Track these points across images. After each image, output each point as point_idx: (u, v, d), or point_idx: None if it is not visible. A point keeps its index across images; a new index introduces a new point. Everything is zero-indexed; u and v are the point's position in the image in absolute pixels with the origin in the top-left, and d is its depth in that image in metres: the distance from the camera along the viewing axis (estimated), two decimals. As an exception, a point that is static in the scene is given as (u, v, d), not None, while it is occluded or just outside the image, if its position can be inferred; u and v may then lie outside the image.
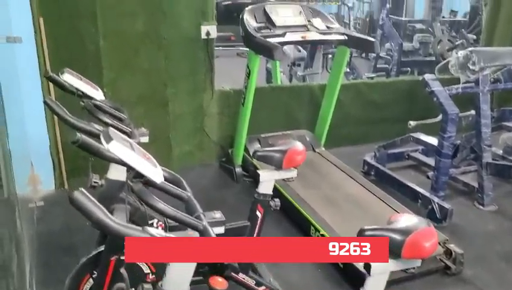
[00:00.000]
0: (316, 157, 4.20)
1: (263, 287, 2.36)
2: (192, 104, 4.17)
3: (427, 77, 3.65)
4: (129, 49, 3.74)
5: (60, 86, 2.14)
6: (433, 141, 3.88)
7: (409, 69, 7.69)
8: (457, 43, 6.97)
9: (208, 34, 3.95)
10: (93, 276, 1.69)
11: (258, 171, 2.38)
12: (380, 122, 5.00)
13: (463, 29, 7.95)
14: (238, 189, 3.97)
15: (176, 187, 1.46)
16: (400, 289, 2.68)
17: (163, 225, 2.03)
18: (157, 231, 1.17)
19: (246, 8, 3.78)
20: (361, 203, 3.40)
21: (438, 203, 3.41)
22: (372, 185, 3.68)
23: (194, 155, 4.34)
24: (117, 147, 1.28)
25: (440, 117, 3.55)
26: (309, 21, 3.84)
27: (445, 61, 3.78)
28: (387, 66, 7.74)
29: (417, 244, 1.37)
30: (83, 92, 2.12)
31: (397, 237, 1.38)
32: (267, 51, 3.43)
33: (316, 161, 4.12)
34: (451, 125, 3.49)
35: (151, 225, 2.02)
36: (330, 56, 6.74)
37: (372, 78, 7.04)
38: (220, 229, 1.57)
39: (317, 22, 3.87)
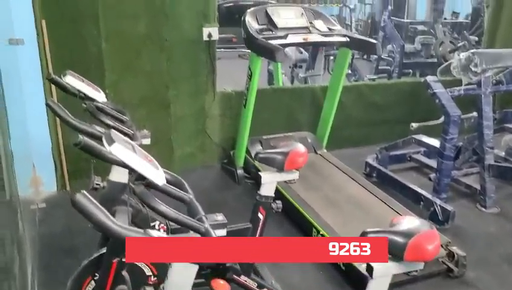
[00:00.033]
0: (317, 159, 4.20)
1: (265, 290, 2.35)
2: (194, 106, 4.18)
3: (429, 78, 3.65)
4: (131, 51, 3.75)
5: (62, 88, 2.15)
6: (435, 142, 3.88)
7: (410, 70, 7.70)
8: (459, 44, 6.98)
9: (209, 36, 3.96)
10: (95, 278, 1.69)
11: (259, 173, 2.38)
12: (382, 124, 4.99)
13: (465, 31, 7.95)
14: (239, 191, 3.97)
15: (178, 189, 1.45)
16: (402, 291, 2.68)
17: (165, 227, 2.02)
18: (158, 233, 1.17)
19: (248, 10, 3.78)
20: (363, 205, 3.40)
21: (440, 205, 3.40)
22: (374, 187, 3.67)
23: (196, 157, 4.35)
24: (119, 149, 1.28)
25: (442, 119, 3.54)
26: (311, 23, 3.84)
27: (447, 63, 3.78)
28: (389, 67, 7.74)
29: (420, 247, 1.36)
30: (85, 94, 2.13)
31: (399, 239, 1.37)
32: (268, 52, 3.43)
33: (317, 162, 4.12)
34: (453, 127, 3.49)
35: (153, 227, 2.02)
36: (332, 58, 6.74)
37: (373, 79, 7.04)
38: (222, 232, 1.57)
39: (319, 23, 3.87)
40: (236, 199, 3.80)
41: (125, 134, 1.88)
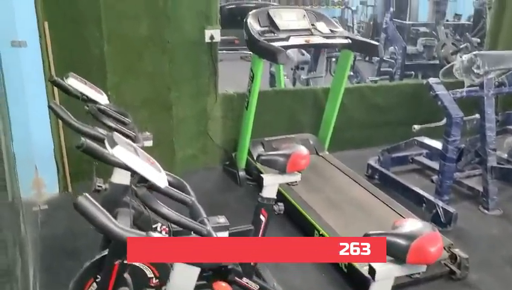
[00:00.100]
0: (319, 161, 4.20)
1: (267, 292, 2.35)
2: (196, 108, 4.18)
3: (431, 80, 3.64)
4: (133, 53, 3.75)
5: (65, 90, 2.15)
6: (437, 144, 3.87)
7: (412, 72, 7.70)
8: (461, 46, 6.96)
9: (211, 37, 3.96)
10: (97, 280, 1.69)
11: (261, 175, 2.38)
12: (384, 126, 4.99)
13: (467, 33, 7.95)
14: (241, 193, 3.97)
15: (180, 192, 1.45)
16: (404, 294, 2.67)
17: (167, 229, 2.03)
18: (160, 236, 1.17)
19: (250, 12, 3.79)
20: (365, 207, 3.39)
21: (442, 208, 3.39)
22: (376, 189, 3.66)
23: (198, 159, 4.35)
24: (121, 152, 1.28)
25: (444, 121, 3.54)
26: (313, 25, 3.85)
27: (449, 64, 3.77)
28: (391, 69, 7.74)
29: (422, 249, 1.36)
30: (87, 96, 2.13)
31: (402, 242, 1.37)
32: (270, 54, 3.43)
33: (319, 164, 4.12)
34: (455, 129, 3.48)
35: (155, 229, 2.02)
36: (334, 59, 6.75)
37: (375, 81, 7.04)
38: (224, 234, 1.57)
39: (321, 25, 3.88)
40: (238, 200, 3.80)
41: (127, 136, 1.88)
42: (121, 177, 1.77)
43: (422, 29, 8.20)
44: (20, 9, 3.22)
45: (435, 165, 3.98)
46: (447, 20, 8.90)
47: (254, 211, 2.42)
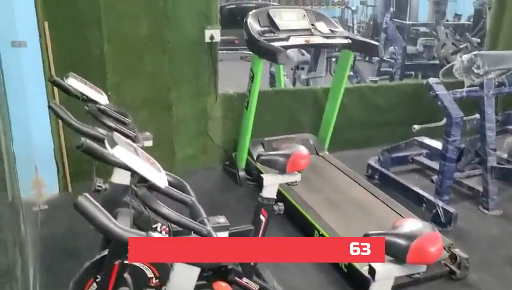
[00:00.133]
0: (319, 161, 4.20)
1: (267, 292, 2.35)
2: (196, 108, 4.18)
3: (432, 80, 3.64)
4: (133, 53, 3.75)
5: (65, 90, 2.15)
6: (437, 144, 3.87)
7: (412, 72, 7.70)
8: (461, 46, 6.97)
9: (211, 37, 3.96)
10: (97, 280, 1.69)
11: (261, 175, 2.38)
12: (384, 125, 4.99)
13: (467, 33, 7.95)
14: (241, 193, 3.97)
15: (180, 192, 1.45)
16: (404, 294, 2.67)
17: (167, 229, 2.03)
18: (160, 236, 1.17)
19: (250, 12, 3.79)
20: (365, 207, 3.39)
21: (442, 207, 3.39)
22: (376, 189, 3.66)
23: (198, 159, 4.35)
24: (121, 152, 1.28)
25: (444, 121, 3.54)
26: (313, 25, 3.85)
27: (449, 64, 3.77)
28: (391, 69, 7.74)
29: (422, 249, 1.36)
30: (87, 96, 2.13)
31: (402, 242, 1.37)
32: (270, 54, 3.43)
33: (319, 164, 4.12)
34: (455, 129, 3.48)
35: (155, 229, 2.02)
36: (334, 59, 6.75)
37: (375, 81, 7.04)
38: (224, 234, 1.57)
39: (321, 25, 3.87)
40: (238, 200, 3.80)
41: (127, 136, 1.88)
42: (121, 177, 1.77)
43: (422, 29, 8.21)
44: (20, 9, 3.22)
45: (435, 165, 3.98)
46: (447, 20, 8.90)
47: (254, 211, 2.42)
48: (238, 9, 9.78)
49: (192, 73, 4.05)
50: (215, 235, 1.33)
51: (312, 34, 3.77)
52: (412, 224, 1.47)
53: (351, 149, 4.79)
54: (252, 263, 2.39)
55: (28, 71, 3.33)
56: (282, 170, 2.27)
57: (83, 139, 1.40)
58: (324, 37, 3.80)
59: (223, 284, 1.65)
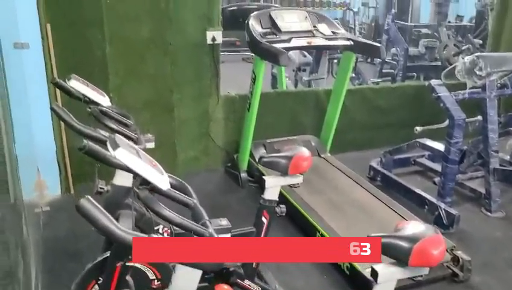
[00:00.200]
0: (321, 162, 4.19)
1: (269, 294, 2.35)
2: (198, 110, 4.18)
3: (434, 82, 3.64)
4: (135, 55, 3.76)
5: (67, 92, 2.16)
6: (439, 146, 3.87)
7: (414, 74, 7.68)
8: (463, 48, 6.96)
9: (213, 39, 3.96)
10: (99, 282, 1.69)
11: (263, 177, 2.37)
12: (386, 127, 4.98)
13: (469, 34, 7.93)
14: (243, 194, 3.97)
15: (182, 194, 1.45)
16: (406, 296, 2.66)
17: (168, 231, 2.02)
18: (163, 238, 1.17)
19: (252, 14, 3.79)
20: (367, 209, 3.39)
21: (444, 210, 3.38)
22: (378, 191, 3.66)
23: (199, 160, 4.35)
24: (124, 154, 1.28)
25: (447, 122, 3.53)
26: (314, 26, 3.84)
27: (451, 66, 3.77)
28: (392, 71, 7.73)
29: (425, 252, 1.35)
30: (89, 98, 2.13)
31: (404, 244, 1.36)
32: (272, 56, 3.43)
33: (321, 166, 4.11)
34: (458, 130, 3.47)
35: (157, 231, 2.02)
36: (336, 61, 6.74)
37: (377, 83, 7.03)
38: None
39: (323, 27, 3.87)
40: (240, 202, 3.80)
41: (129, 138, 1.88)
42: (123, 179, 1.77)
43: (424, 30, 8.20)
44: (23, 11, 3.23)
45: (437, 167, 3.97)
46: (449, 22, 8.89)
47: (256, 213, 2.42)
48: (239, 11, 9.78)
49: (194, 75, 4.05)
50: (217, 238, 1.33)
51: (314, 36, 3.77)
52: (414, 226, 1.46)
53: (353, 151, 4.78)
54: (253, 265, 2.39)
55: (30, 73, 3.34)
56: (284, 172, 2.27)
57: (85, 141, 1.40)
58: (326, 38, 3.80)
59: (225, 286, 1.64)
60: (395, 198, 3.58)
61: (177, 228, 1.37)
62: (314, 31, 3.81)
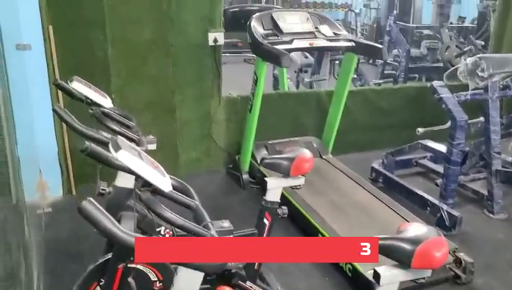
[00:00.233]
0: (323, 164, 4.19)
1: (271, 296, 2.34)
2: (200, 111, 4.18)
3: (436, 83, 3.63)
4: (137, 56, 3.76)
5: (69, 94, 2.16)
6: (441, 148, 3.86)
7: (416, 75, 7.68)
8: (465, 49, 6.95)
9: (215, 40, 3.96)
10: (101, 284, 1.69)
11: (265, 178, 2.37)
12: (388, 128, 4.97)
13: (471, 35, 7.93)
14: (245, 196, 3.96)
15: (184, 196, 1.45)
16: (409, 298, 2.65)
17: (170, 232, 2.02)
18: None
19: (254, 15, 3.79)
20: (369, 211, 3.38)
21: (447, 211, 3.38)
22: (380, 193, 3.65)
23: (201, 162, 4.35)
24: (125, 156, 1.28)
25: (449, 124, 3.53)
26: (316, 28, 3.85)
27: (453, 67, 3.76)
28: (394, 72, 7.73)
29: (427, 254, 1.35)
30: (91, 100, 2.14)
31: (407, 246, 1.36)
32: (274, 57, 3.43)
33: (323, 167, 4.11)
34: (460, 132, 3.47)
35: (159, 232, 2.02)
36: (337, 62, 6.74)
37: (379, 84, 7.03)
38: (228, 238, 1.56)
39: (325, 28, 3.87)
40: (241, 204, 3.80)
41: (131, 140, 1.88)
42: (124, 181, 1.77)
43: (426, 31, 8.20)
44: (25, 12, 3.23)
45: (439, 168, 3.97)
46: (451, 23, 8.88)
47: (258, 215, 2.41)
48: (241, 12, 9.80)
49: (195, 76, 4.06)
50: (219, 240, 1.33)
51: (316, 37, 3.77)
52: (416, 228, 1.45)
53: (354, 152, 4.78)
54: (255, 267, 2.38)
55: (32, 74, 3.35)
56: (286, 174, 2.27)
57: (87, 142, 1.40)
58: (328, 40, 3.80)
59: (227, 288, 1.64)
60: (397, 200, 3.57)
61: (178, 230, 1.36)
62: (316, 33, 3.81)
